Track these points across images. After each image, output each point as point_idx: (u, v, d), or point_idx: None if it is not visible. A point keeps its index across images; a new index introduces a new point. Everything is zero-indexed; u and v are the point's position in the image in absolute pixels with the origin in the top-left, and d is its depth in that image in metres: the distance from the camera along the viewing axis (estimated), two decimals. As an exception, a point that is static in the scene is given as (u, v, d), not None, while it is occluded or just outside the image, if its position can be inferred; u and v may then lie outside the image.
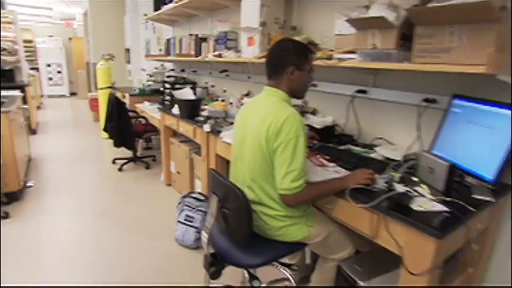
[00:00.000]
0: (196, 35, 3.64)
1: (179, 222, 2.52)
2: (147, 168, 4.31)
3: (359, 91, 2.09)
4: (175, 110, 3.20)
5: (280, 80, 1.48)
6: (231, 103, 3.04)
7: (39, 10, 8.37)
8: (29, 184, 3.66)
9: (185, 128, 3.02)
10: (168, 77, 4.54)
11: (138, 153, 4.49)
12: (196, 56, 3.55)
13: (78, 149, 5.24)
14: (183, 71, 4.66)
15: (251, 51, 2.53)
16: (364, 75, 2.05)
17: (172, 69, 5.07)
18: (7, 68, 6.34)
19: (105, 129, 4.26)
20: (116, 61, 6.17)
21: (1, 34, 6.14)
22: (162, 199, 3.45)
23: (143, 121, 4.26)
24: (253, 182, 1.47)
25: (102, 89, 5.55)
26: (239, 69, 3.30)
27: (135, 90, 5.09)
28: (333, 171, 1.58)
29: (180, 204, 2.65)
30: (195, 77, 4.28)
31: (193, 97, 3.04)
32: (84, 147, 5.33)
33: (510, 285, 1.64)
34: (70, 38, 11.50)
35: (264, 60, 1.57)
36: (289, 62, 1.45)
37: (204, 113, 2.86)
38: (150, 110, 4.09)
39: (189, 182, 3.24)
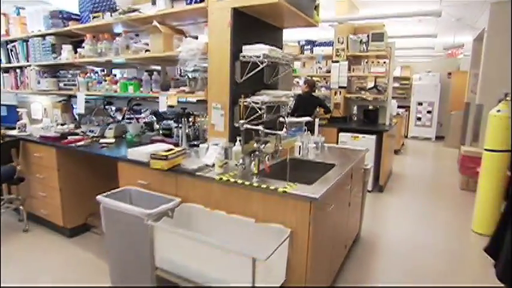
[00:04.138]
0: None
1: None
2: None
3: None
4: None
5: None
6: None
7: (421, 40, 7.17)
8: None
9: None
10: None
11: None
12: None
13: (427, 240, 3.27)
14: None
15: None
16: None
17: None
18: (372, 107, 5.55)
19: (490, 251, 1.99)
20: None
21: (374, 70, 5.36)
22: None
23: None
24: None
25: (492, 151, 3.23)
26: None
27: None
28: None
29: None
30: None
31: None
32: (438, 241, 3.27)
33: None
34: (449, 73, 9.72)
35: None
36: None
37: None
38: None
39: None
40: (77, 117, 3.74)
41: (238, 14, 2.20)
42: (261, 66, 2.15)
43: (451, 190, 4.91)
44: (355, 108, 5.74)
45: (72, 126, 3.38)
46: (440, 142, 9.05)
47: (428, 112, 9.52)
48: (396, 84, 10.54)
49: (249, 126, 2.07)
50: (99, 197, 2.10)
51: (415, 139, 9.64)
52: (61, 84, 3.48)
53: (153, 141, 2.88)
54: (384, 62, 5.32)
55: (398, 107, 8.42)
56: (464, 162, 4.72)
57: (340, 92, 4.96)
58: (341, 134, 4.65)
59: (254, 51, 2.18)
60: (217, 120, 2.31)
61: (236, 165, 2.05)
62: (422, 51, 8.59)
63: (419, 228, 3.56)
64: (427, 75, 9.79)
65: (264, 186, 1.80)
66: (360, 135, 4.53)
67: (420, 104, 9.65)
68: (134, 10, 2.64)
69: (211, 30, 2.26)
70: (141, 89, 2.84)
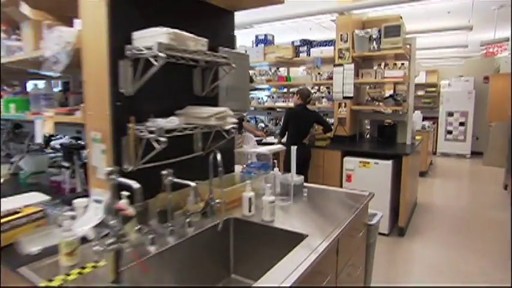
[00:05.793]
0: None
1: None
2: None
3: None
4: None
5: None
6: None
7: (451, 38, 5.95)
8: None
9: None
10: None
11: None
12: None
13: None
14: None
15: None
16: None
17: None
18: (390, 121, 4.44)
19: None
20: None
21: (388, 74, 4.26)
22: None
23: None
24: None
25: None
26: None
27: None
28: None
29: None
30: None
31: None
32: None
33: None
34: (486, 78, 8.37)
35: None
36: None
37: None
38: None
39: None
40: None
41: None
42: (157, 65, 1.19)
43: (501, 232, 3.66)
44: (368, 123, 4.67)
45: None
46: (478, 159, 7.66)
47: (461, 124, 8.15)
48: (421, 92, 9.25)
49: (121, 178, 1.10)
50: None
51: (446, 156, 8.28)
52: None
53: (51, 184, 1.99)
54: (402, 64, 4.25)
55: (424, 118, 7.18)
56: (516, 195, 3.50)
57: (345, 104, 3.91)
58: (346, 159, 3.58)
59: (145, 40, 1.22)
60: (97, 161, 1.36)
61: (96, 251, 1.08)
62: (451, 51, 7.27)
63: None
64: (459, 81, 8.47)
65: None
66: (371, 161, 3.44)
67: (451, 114, 8.30)
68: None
69: (84, 10, 1.33)
70: (31, 107, 1.95)
